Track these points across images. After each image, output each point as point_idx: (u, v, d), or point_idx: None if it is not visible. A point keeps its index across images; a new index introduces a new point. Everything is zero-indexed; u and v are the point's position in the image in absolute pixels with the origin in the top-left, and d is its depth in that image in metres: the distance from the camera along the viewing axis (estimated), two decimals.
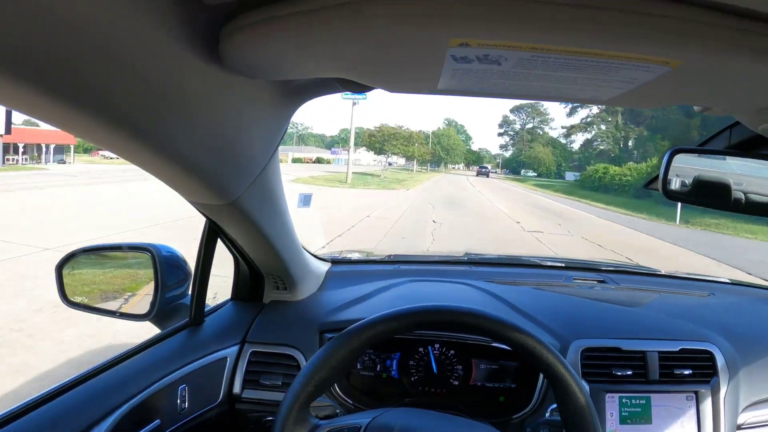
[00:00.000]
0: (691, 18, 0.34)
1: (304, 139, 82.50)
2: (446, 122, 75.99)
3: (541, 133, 73.87)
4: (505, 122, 78.70)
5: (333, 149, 63.61)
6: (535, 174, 65.29)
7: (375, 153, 34.72)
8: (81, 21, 0.32)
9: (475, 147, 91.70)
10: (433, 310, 0.67)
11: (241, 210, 0.70)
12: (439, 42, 0.38)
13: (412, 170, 46.87)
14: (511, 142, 79.02)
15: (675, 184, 0.82)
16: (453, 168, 79.04)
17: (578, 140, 63.58)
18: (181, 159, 0.52)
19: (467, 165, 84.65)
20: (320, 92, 0.62)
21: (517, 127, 77.37)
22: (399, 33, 0.37)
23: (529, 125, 75.24)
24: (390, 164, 40.58)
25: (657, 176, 0.81)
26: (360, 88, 0.54)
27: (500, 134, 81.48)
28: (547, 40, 0.37)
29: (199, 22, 0.40)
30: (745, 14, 0.34)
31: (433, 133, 67.82)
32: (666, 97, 0.51)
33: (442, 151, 64.46)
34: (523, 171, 69.73)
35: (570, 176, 57.14)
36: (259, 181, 0.67)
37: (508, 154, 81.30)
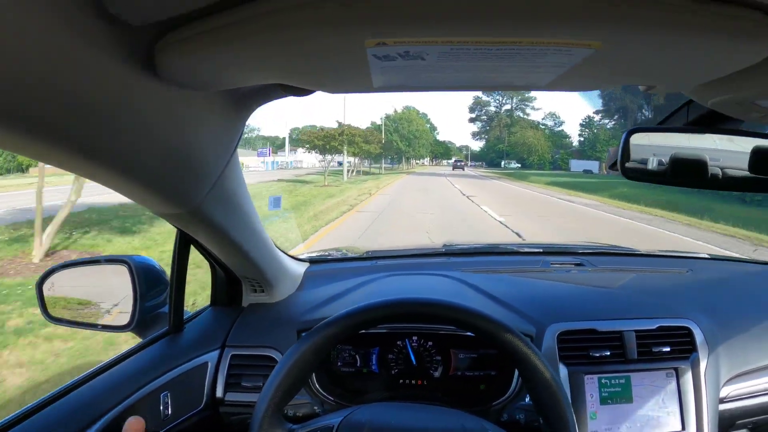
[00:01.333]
0: None
1: (251, 142, 66.12)
2: (405, 109, 52.50)
3: (522, 115, 63.67)
4: (477, 104, 67.04)
5: (260, 151, 48.56)
6: (519, 165, 56.47)
7: (319, 153, 25.03)
8: (12, 48, 0.32)
9: (441, 138, 76.20)
10: (395, 304, 0.68)
11: (204, 216, 0.70)
12: (356, 44, 0.38)
13: (374, 172, 33.84)
14: (486, 128, 67.81)
15: (652, 164, 0.83)
16: (419, 163, 63.74)
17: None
18: (135, 173, 0.53)
19: (433, 159, 71.82)
20: (266, 98, 0.63)
21: (492, 109, 66.70)
22: (317, 39, 0.38)
23: (507, 106, 64.91)
24: (339, 164, 30.23)
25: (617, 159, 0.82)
26: (302, 92, 0.55)
27: (472, 120, 69.68)
28: (457, 33, 0.37)
29: (130, 42, 0.40)
30: None
31: (387, 117, 49.35)
32: (602, 79, 0.52)
33: (402, 141, 44.79)
34: (504, 162, 59.82)
35: (579, 166, 46.36)
36: (219, 186, 0.68)
37: (481, 143, 71.23)
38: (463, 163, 55.80)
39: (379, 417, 0.66)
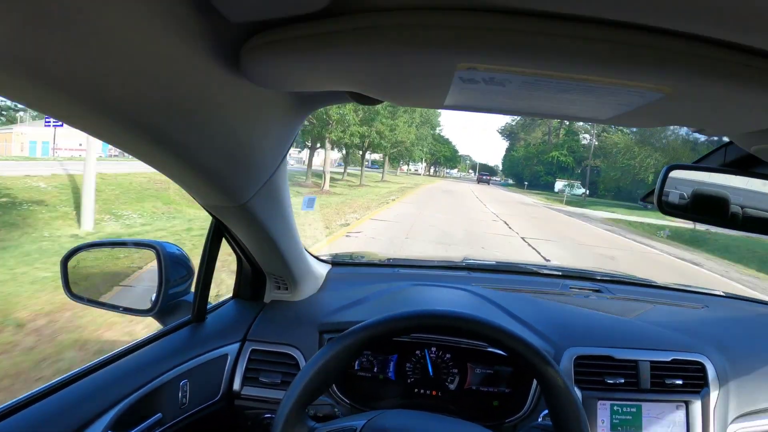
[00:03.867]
0: (679, 49, 0.37)
1: None
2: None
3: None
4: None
5: None
6: (583, 192, 35.04)
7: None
8: (115, 37, 0.34)
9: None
10: (430, 315, 0.69)
11: (249, 212, 0.72)
12: (448, 66, 0.40)
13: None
14: (540, 141, 46.82)
15: (673, 197, 0.84)
16: (410, 171, 49.64)
17: None
18: (197, 165, 0.54)
19: (431, 166, 55.24)
20: (330, 102, 0.65)
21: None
22: (412, 57, 0.39)
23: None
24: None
25: (653, 191, 0.83)
26: (369, 101, 0.56)
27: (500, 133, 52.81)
28: (548, 67, 0.39)
29: (223, 38, 0.42)
30: (730, 46, 0.37)
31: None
32: (661, 119, 0.54)
33: (378, 136, 20.15)
34: (563, 186, 36.18)
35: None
36: (268, 185, 0.69)
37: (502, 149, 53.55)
38: (488, 177, 49.55)
39: (402, 424, 0.67)
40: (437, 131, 44.56)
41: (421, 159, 38.23)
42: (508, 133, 54.00)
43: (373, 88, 0.50)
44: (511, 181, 50.98)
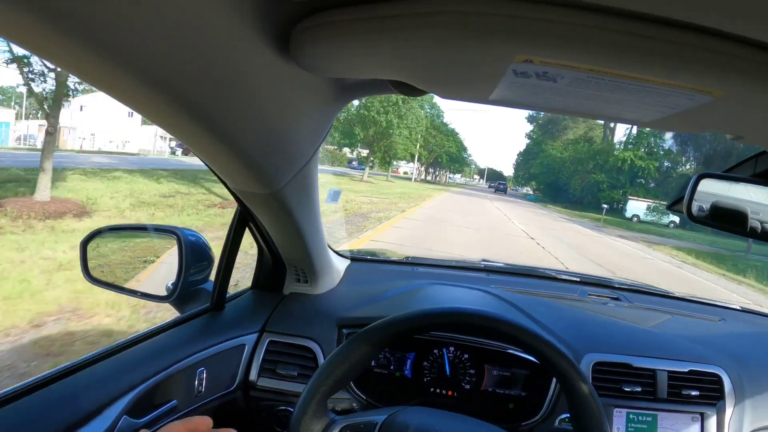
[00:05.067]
0: (736, 53, 0.37)
1: None
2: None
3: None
4: None
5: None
6: (670, 221, 22.81)
7: None
8: (168, 16, 0.34)
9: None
10: (459, 313, 0.68)
11: (279, 201, 0.72)
12: (505, 57, 0.40)
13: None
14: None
15: (694, 208, 0.84)
16: (405, 171, 36.45)
17: None
18: (234, 147, 0.54)
19: (430, 168, 40.02)
20: (371, 92, 0.64)
21: None
22: (470, 45, 0.39)
23: None
24: None
25: (681, 198, 0.83)
26: (412, 92, 0.56)
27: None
28: (604, 63, 0.39)
29: (275, 16, 0.42)
30: None
31: None
32: (703, 124, 0.54)
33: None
34: (639, 208, 24.11)
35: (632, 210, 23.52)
36: (301, 174, 0.69)
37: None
38: (504, 185, 43.04)
39: (423, 421, 0.67)
40: (439, 120, 33.00)
41: (412, 156, 27.43)
42: (541, 123, 39.10)
43: (421, 77, 0.49)
44: (534, 193, 34.75)
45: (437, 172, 41.33)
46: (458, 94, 0.54)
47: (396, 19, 0.38)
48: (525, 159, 43.36)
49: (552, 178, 32.16)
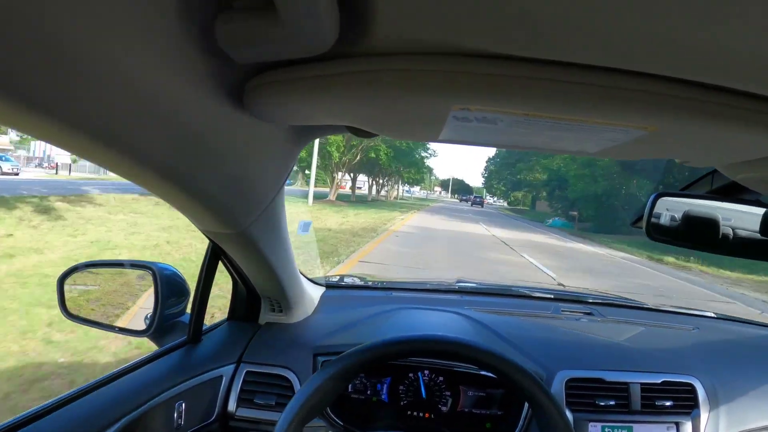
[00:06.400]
0: (662, 91, 0.39)
1: None
2: None
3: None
4: None
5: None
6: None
7: None
8: (126, 77, 0.35)
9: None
10: (423, 340, 0.70)
11: (247, 238, 0.73)
12: (443, 107, 0.42)
13: None
14: None
15: (664, 219, 0.86)
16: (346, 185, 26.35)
17: None
18: (199, 193, 0.56)
19: (381, 179, 30.23)
20: (328, 133, 0.67)
21: None
22: (408, 99, 0.41)
23: None
24: None
25: (641, 216, 0.85)
26: (366, 134, 0.58)
27: None
28: (537, 108, 0.41)
29: (228, 77, 0.44)
30: (708, 87, 0.39)
31: None
32: (648, 152, 0.56)
33: None
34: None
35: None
36: (266, 212, 0.70)
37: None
38: (481, 199, 43.36)
39: None
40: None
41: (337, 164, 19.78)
42: None
43: (370, 124, 0.52)
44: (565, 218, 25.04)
45: (383, 183, 32.70)
46: (409, 136, 0.56)
47: (341, 76, 0.41)
48: (500, 167, 39.20)
49: (595, 202, 22.04)
